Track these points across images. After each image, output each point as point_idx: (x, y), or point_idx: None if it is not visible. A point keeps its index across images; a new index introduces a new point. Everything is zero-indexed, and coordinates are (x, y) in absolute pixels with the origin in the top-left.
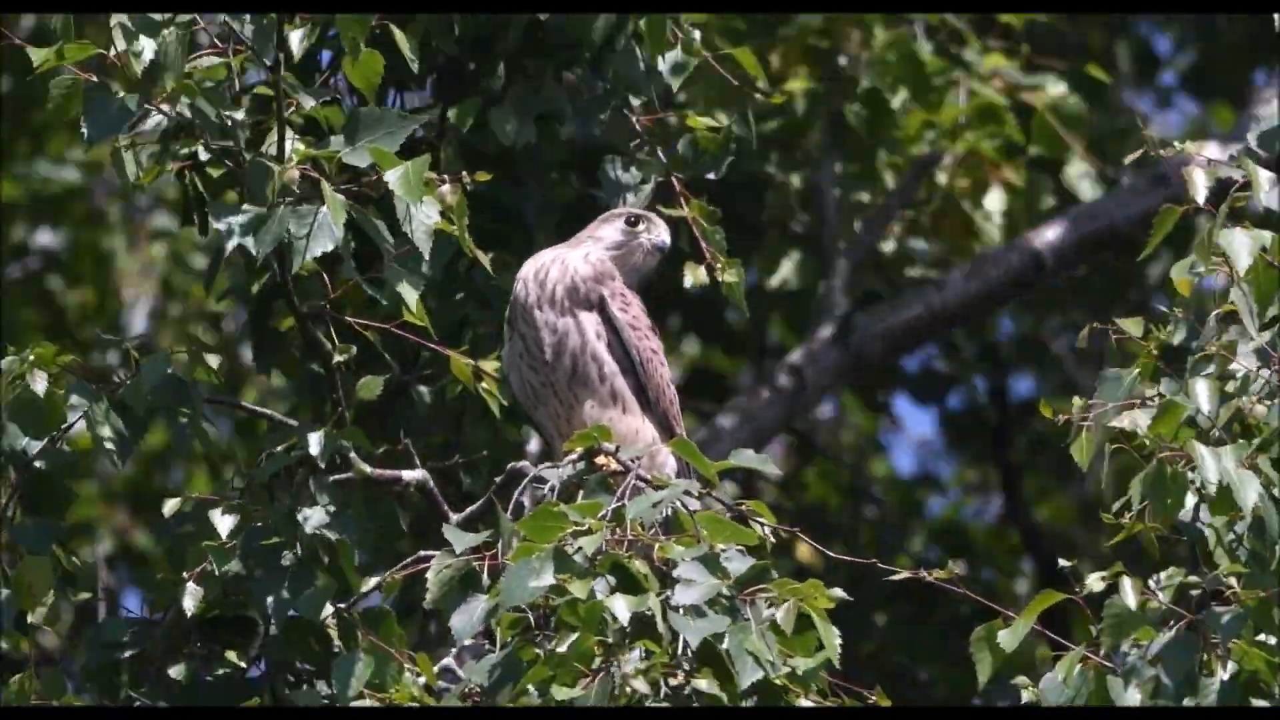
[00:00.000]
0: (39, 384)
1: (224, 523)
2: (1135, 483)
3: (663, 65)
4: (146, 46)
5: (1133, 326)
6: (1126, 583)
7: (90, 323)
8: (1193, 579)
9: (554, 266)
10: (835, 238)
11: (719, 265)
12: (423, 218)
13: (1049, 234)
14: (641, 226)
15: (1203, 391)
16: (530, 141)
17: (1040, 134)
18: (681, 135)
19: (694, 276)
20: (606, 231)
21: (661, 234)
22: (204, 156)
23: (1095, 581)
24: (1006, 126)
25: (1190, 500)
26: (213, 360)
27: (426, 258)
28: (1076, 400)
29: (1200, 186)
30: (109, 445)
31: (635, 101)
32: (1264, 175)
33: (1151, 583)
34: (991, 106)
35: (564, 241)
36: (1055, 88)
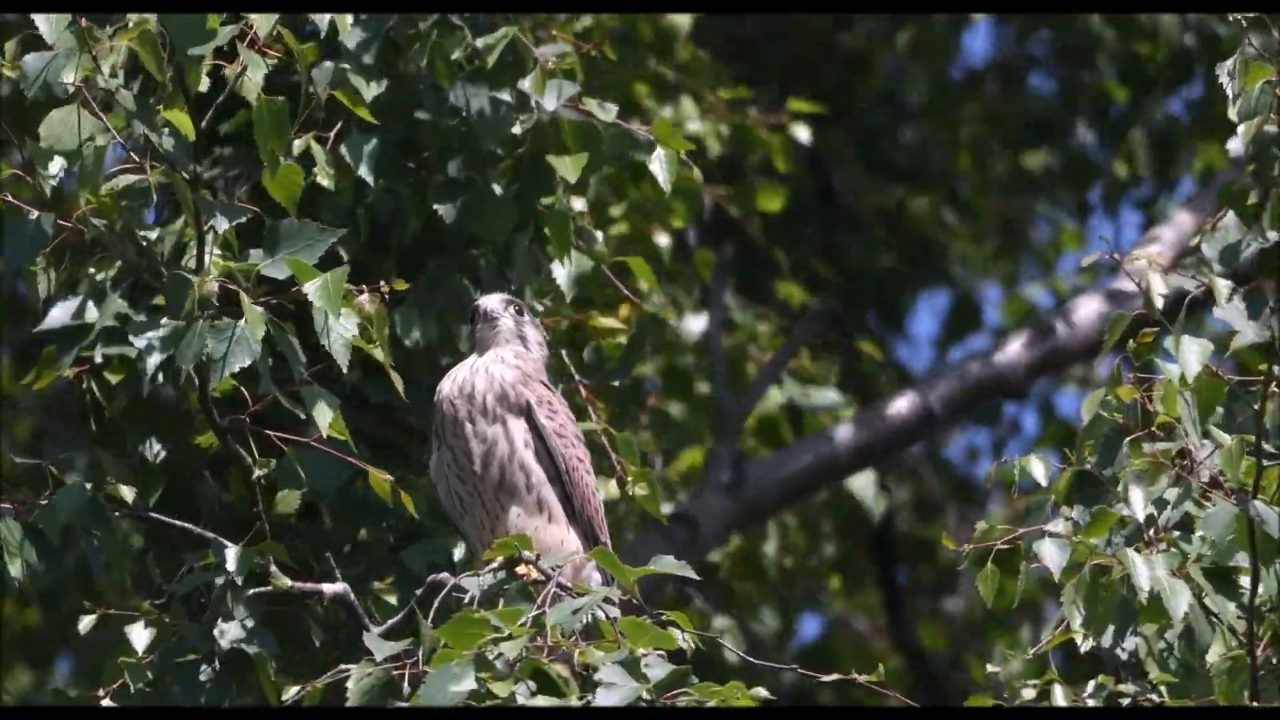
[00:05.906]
0: None
1: (141, 638)
2: (1068, 589)
3: (559, 272)
4: (56, 164)
5: (1038, 465)
6: (1058, 690)
7: None
8: (1123, 688)
9: (477, 378)
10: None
11: (630, 478)
12: (341, 330)
13: (939, 385)
14: (479, 323)
15: (1138, 498)
16: (431, 341)
17: None
18: (586, 337)
19: (605, 490)
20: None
21: (486, 303)
22: (99, 359)
23: (1027, 689)
24: None
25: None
26: (126, 492)
27: (345, 371)
28: (981, 525)
29: (1158, 294)
30: (19, 577)
31: (538, 305)
32: (1223, 284)
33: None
34: None
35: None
36: None
